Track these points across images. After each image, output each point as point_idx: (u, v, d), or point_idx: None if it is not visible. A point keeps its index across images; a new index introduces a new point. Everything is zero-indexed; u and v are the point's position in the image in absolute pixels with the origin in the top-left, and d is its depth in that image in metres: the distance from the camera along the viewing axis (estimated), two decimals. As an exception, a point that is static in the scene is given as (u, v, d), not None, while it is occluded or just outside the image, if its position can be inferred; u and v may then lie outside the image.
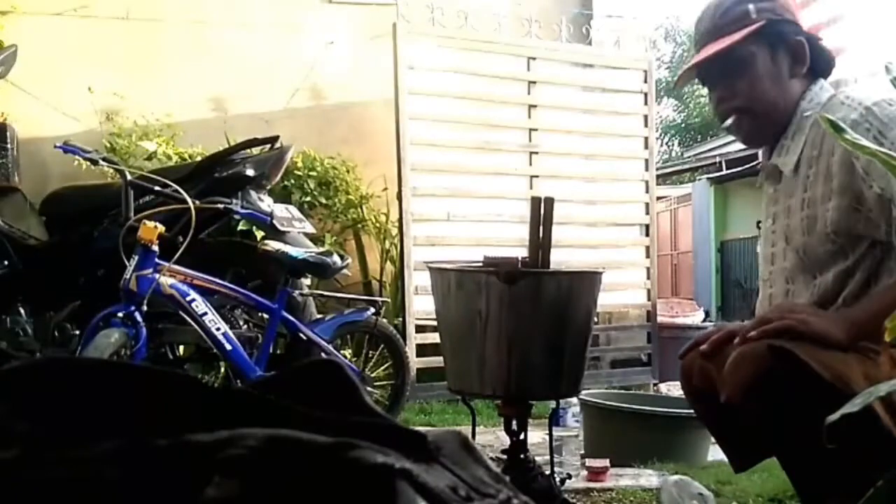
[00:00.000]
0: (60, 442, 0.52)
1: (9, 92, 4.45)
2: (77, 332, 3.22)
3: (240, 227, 3.87)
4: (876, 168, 1.41)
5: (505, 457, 2.04)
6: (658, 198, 8.17)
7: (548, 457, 2.26)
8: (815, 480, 1.45)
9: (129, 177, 3.09)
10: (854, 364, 1.34)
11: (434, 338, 3.95)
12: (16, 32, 4.55)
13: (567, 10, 5.66)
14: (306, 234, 3.55)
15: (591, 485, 2.59)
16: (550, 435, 2.30)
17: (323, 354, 3.19)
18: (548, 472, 2.13)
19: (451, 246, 4.55)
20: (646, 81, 5.40)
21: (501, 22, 4.96)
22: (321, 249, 3.49)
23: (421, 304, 4.40)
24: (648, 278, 5.39)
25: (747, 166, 10.65)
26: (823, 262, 1.55)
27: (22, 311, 3.36)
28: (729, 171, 12.02)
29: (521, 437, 2.05)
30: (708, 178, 13.27)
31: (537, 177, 5.00)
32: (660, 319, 5.59)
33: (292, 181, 4.72)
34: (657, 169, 6.90)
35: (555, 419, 2.48)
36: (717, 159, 12.67)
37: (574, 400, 3.66)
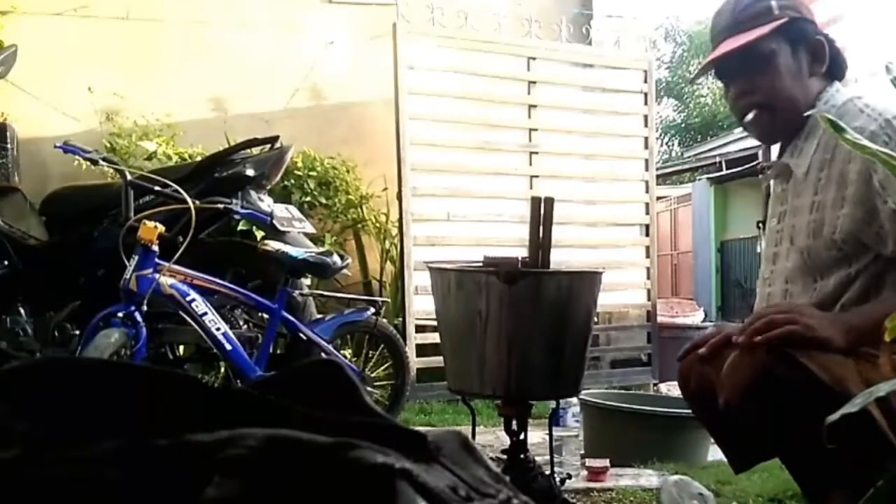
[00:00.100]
0: (60, 442, 0.52)
1: (9, 92, 4.45)
2: (77, 332, 3.21)
3: (240, 227, 3.87)
4: (892, 183, 1.41)
5: (505, 457, 2.04)
6: (658, 198, 8.17)
7: (548, 457, 2.25)
8: (816, 479, 1.45)
9: (129, 177, 3.09)
10: (852, 367, 1.34)
11: (434, 338, 3.95)
12: (16, 32, 4.55)
13: (567, 10, 5.66)
14: (306, 234, 3.55)
15: (591, 485, 2.59)
16: (550, 435, 2.30)
17: (323, 354, 3.19)
18: (548, 472, 2.13)
19: (451, 246, 4.55)
20: (646, 81, 5.40)
21: (501, 22, 4.96)
22: (321, 249, 3.50)
23: (421, 304, 4.40)
24: (648, 278, 5.39)
25: (747, 166, 10.66)
26: (826, 266, 1.55)
27: (22, 311, 3.36)
28: (729, 171, 12.02)
29: (521, 437, 2.05)
30: (708, 178, 13.27)
31: (537, 177, 5.00)
32: (660, 319, 5.60)
33: (292, 181, 4.72)
34: (657, 169, 6.90)
35: (555, 419, 2.48)
36: (717, 159, 12.68)
37: (574, 400, 3.66)
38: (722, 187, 12.98)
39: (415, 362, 4.27)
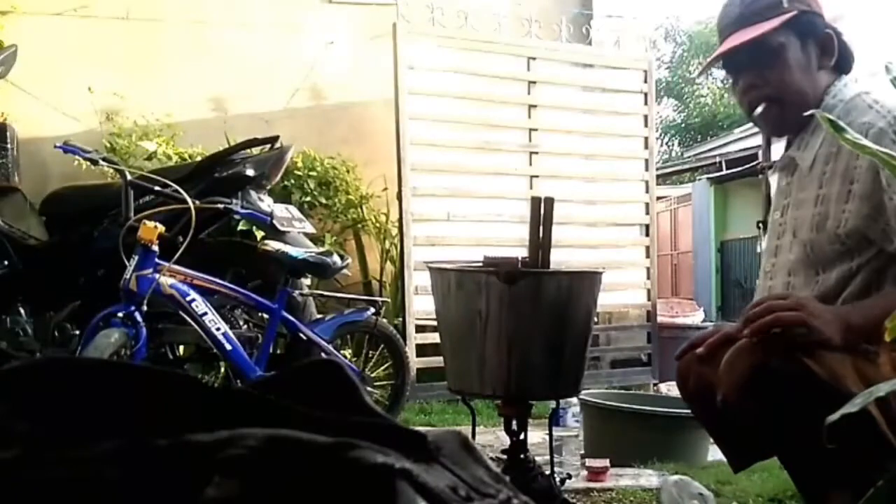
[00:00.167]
0: (60, 442, 0.52)
1: (9, 92, 4.45)
2: (77, 332, 3.21)
3: (240, 227, 3.87)
4: None
5: (505, 457, 2.04)
6: (658, 198, 8.17)
7: (548, 457, 2.25)
8: (814, 478, 1.45)
9: (129, 177, 3.09)
10: (849, 364, 1.34)
11: (434, 338, 3.95)
12: (16, 32, 4.55)
13: (567, 10, 5.66)
14: (306, 234, 3.55)
15: (591, 485, 2.59)
16: (550, 435, 2.30)
17: (323, 354, 3.19)
18: (548, 472, 2.13)
19: (451, 246, 4.55)
20: (646, 81, 5.40)
21: (501, 22, 4.96)
22: (321, 249, 3.50)
23: (421, 304, 4.40)
24: (648, 278, 5.39)
25: (747, 166, 10.66)
26: (829, 260, 1.55)
27: (22, 311, 3.36)
28: (729, 171, 12.02)
29: (521, 437, 2.05)
30: (708, 178, 13.28)
31: (537, 177, 5.00)
32: (660, 319, 5.60)
33: (292, 181, 4.72)
34: (657, 169, 6.90)
35: (555, 419, 2.48)
36: (717, 159, 12.68)
37: (574, 400, 3.66)
38: (722, 187, 12.98)
39: (415, 362, 4.27)
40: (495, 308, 1.90)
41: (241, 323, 3.37)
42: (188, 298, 2.89)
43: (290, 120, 5.01)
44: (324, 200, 4.87)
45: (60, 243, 3.43)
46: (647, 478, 2.72)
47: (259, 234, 3.69)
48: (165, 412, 0.55)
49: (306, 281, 3.54)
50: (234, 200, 3.28)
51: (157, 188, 3.06)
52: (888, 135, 1.44)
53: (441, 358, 2.14)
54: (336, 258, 3.24)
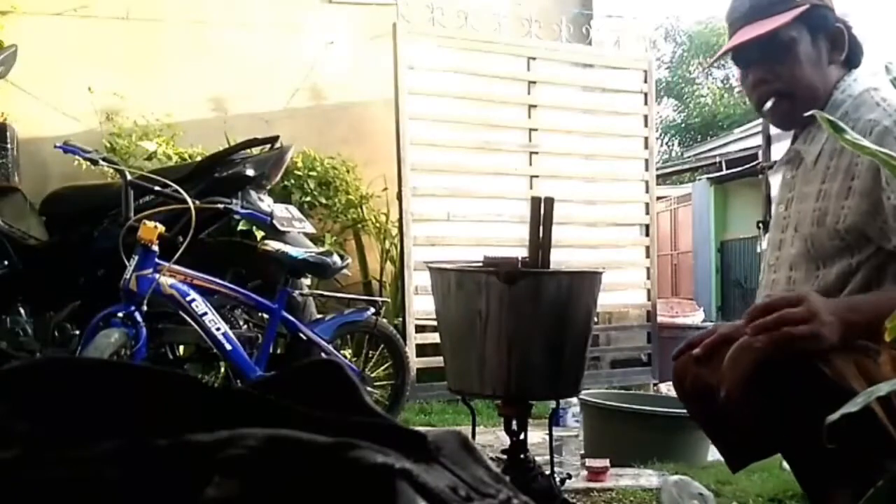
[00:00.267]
0: (60, 442, 0.52)
1: (9, 92, 4.45)
2: (77, 332, 3.21)
3: (240, 227, 3.87)
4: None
5: (505, 457, 2.04)
6: (658, 198, 8.17)
7: (548, 457, 2.25)
8: (818, 475, 1.44)
9: (129, 177, 3.09)
10: (851, 361, 1.34)
11: (434, 338, 3.95)
12: (16, 32, 4.55)
13: (567, 10, 5.66)
14: (306, 234, 3.55)
15: (591, 485, 2.59)
16: (550, 435, 2.30)
17: (323, 354, 3.19)
18: (548, 472, 2.13)
19: (451, 246, 4.55)
20: (646, 81, 5.40)
21: (501, 22, 4.96)
22: (321, 249, 3.50)
23: (421, 304, 4.40)
24: (648, 278, 5.40)
25: (747, 166, 10.66)
26: (829, 256, 1.55)
27: (22, 311, 3.36)
28: (729, 171, 12.02)
29: (521, 437, 2.05)
30: (708, 178, 13.28)
31: (537, 177, 5.00)
32: (660, 319, 5.60)
33: (292, 181, 4.72)
34: (657, 169, 6.90)
35: (555, 419, 2.48)
36: (717, 159, 12.69)
37: (574, 400, 3.66)
38: (722, 187, 12.98)
39: (415, 362, 4.27)
40: (495, 308, 1.90)
41: (241, 323, 3.37)
42: (188, 298, 2.89)
43: (290, 120, 5.01)
44: (324, 200, 4.87)
45: (60, 243, 3.43)
46: (647, 478, 2.72)
47: (259, 234, 3.69)
48: (165, 412, 0.55)
49: (306, 281, 3.54)
50: (234, 200, 3.28)
51: (157, 188, 3.06)
52: (892, 133, 1.44)
53: (441, 358, 2.14)
54: (336, 258, 3.24)
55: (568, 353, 1.99)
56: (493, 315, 1.90)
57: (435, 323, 2.48)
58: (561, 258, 2.53)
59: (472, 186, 4.81)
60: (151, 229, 2.78)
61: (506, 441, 2.10)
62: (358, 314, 3.46)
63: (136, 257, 2.77)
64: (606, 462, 2.70)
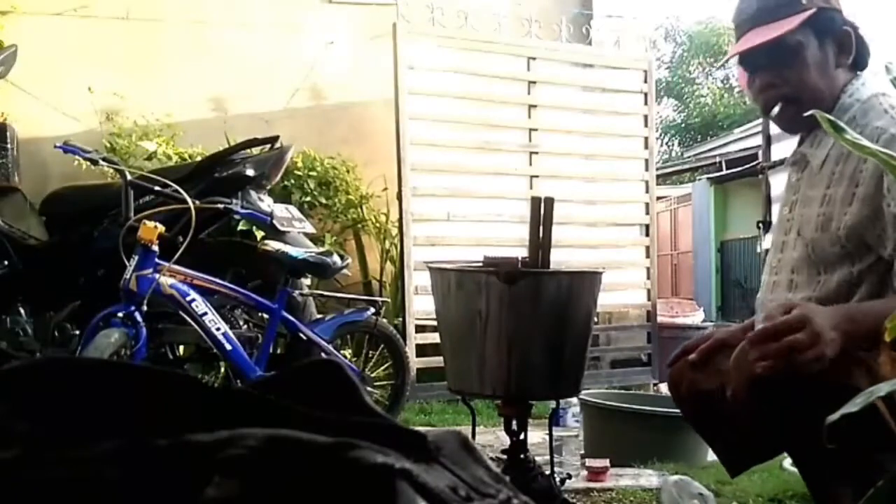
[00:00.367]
0: (60, 442, 0.52)
1: (9, 92, 4.45)
2: (77, 332, 3.22)
3: (240, 227, 3.87)
4: None
5: (505, 457, 2.04)
6: (658, 198, 8.17)
7: (548, 457, 2.26)
8: (825, 476, 1.44)
9: (129, 177, 3.10)
10: (858, 360, 1.33)
11: (434, 338, 3.95)
12: (16, 32, 4.55)
13: (567, 10, 5.66)
14: (306, 234, 3.55)
15: (591, 485, 2.59)
16: (550, 435, 2.30)
17: (323, 354, 3.20)
18: (548, 472, 2.13)
19: (451, 246, 4.55)
20: (646, 81, 5.40)
21: (501, 22, 4.96)
22: (321, 249, 3.50)
23: (421, 304, 4.40)
24: (648, 278, 5.40)
25: (747, 166, 10.66)
26: (830, 262, 1.54)
27: (22, 311, 3.36)
28: (729, 171, 12.03)
29: (521, 437, 2.05)
30: (708, 178, 13.29)
31: (537, 177, 5.00)
32: (660, 319, 5.60)
33: (292, 181, 4.72)
34: (657, 169, 6.90)
35: (555, 419, 2.48)
36: (717, 159, 12.70)
37: (574, 400, 3.66)
38: (722, 187, 12.99)
39: (415, 362, 4.27)
40: (495, 308, 1.90)
41: (241, 323, 3.37)
42: (188, 298, 2.89)
43: (290, 120, 5.01)
44: (324, 200, 4.87)
45: (60, 243, 3.43)
46: (647, 478, 2.72)
47: (259, 234, 3.70)
48: (165, 412, 0.55)
49: (306, 281, 3.55)
50: (234, 200, 3.28)
51: (157, 188, 3.06)
52: None
53: (441, 358, 2.14)
54: (336, 258, 3.24)
55: (568, 353, 1.99)
56: (493, 315, 1.90)
57: (435, 323, 2.48)
58: (561, 258, 2.53)
59: (472, 186, 4.81)
60: (151, 229, 2.78)
61: (506, 441, 2.10)
62: (358, 314, 3.46)
63: (136, 257, 2.77)
64: (606, 462, 2.70)
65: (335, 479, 0.48)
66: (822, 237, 1.54)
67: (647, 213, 5.44)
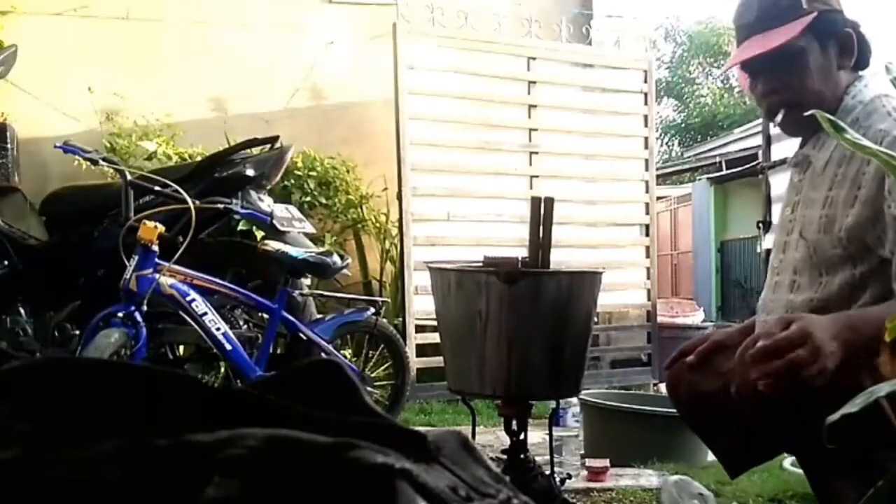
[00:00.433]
0: (60, 442, 0.52)
1: (9, 92, 4.45)
2: (77, 332, 3.22)
3: (240, 227, 3.87)
4: None
5: (505, 457, 2.04)
6: (658, 198, 8.17)
7: (548, 457, 2.26)
8: (829, 476, 1.43)
9: (129, 177, 3.10)
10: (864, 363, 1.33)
11: (434, 338, 3.95)
12: (16, 32, 4.55)
13: (567, 10, 5.66)
14: (306, 234, 3.55)
15: (591, 485, 2.59)
16: (550, 435, 2.30)
17: (323, 354, 3.20)
18: (548, 472, 2.13)
19: (451, 246, 4.55)
20: (646, 81, 5.40)
21: (501, 22, 4.96)
22: (321, 249, 3.50)
23: (421, 304, 4.40)
24: (648, 278, 5.40)
25: (747, 166, 10.66)
26: (831, 264, 1.53)
27: (22, 311, 3.36)
28: (729, 171, 12.03)
29: (521, 437, 2.05)
30: (708, 178, 13.29)
31: (537, 177, 5.00)
32: (660, 319, 5.60)
33: (292, 181, 4.72)
34: (657, 169, 6.90)
35: (555, 419, 2.48)
36: (717, 159, 12.70)
37: (574, 400, 3.66)
38: (722, 187, 12.99)
39: (415, 362, 4.27)
40: (495, 308, 1.90)
41: (241, 323, 3.37)
42: (188, 298, 2.89)
43: (290, 120, 5.01)
44: (324, 200, 4.87)
45: (60, 243, 3.43)
46: (647, 478, 2.72)
47: (259, 234, 3.69)
48: (165, 412, 0.55)
49: (306, 281, 3.54)
50: (234, 200, 3.28)
51: (157, 188, 3.06)
52: None
53: (441, 358, 2.14)
54: (336, 258, 3.24)
55: (568, 353, 1.99)
56: (493, 315, 1.90)
57: (435, 323, 2.48)
58: (561, 258, 2.53)
59: (472, 186, 4.81)
60: (151, 229, 2.78)
61: (506, 441, 2.10)
62: (358, 314, 3.46)
63: (136, 257, 2.77)
64: (606, 462, 2.70)
65: (335, 479, 0.48)
66: (823, 239, 1.54)
67: (647, 213, 5.44)
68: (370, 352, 3.66)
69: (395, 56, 4.55)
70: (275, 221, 3.37)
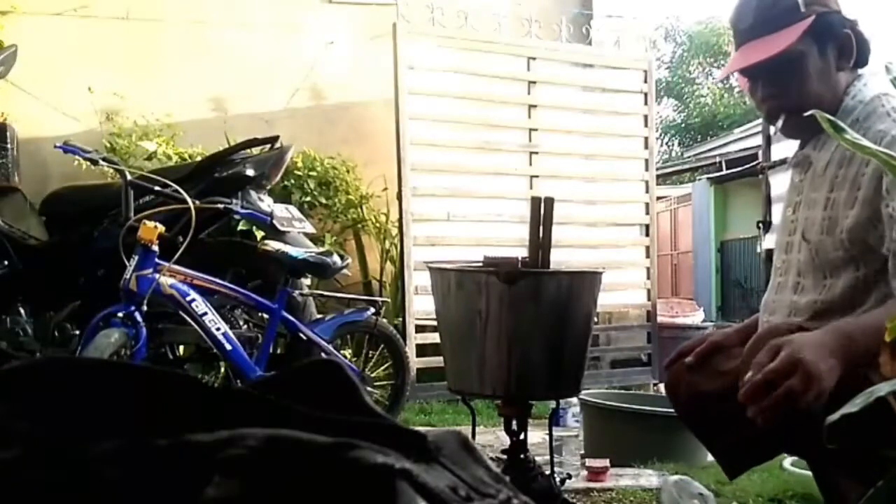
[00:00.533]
0: (60, 442, 0.52)
1: (9, 92, 4.45)
2: (77, 332, 3.22)
3: (240, 227, 3.87)
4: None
5: (505, 457, 2.04)
6: (658, 198, 8.17)
7: (548, 457, 2.26)
8: (835, 474, 1.43)
9: (129, 177, 3.09)
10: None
11: (434, 338, 3.95)
12: (16, 32, 4.55)
13: (567, 10, 5.66)
14: (306, 234, 3.55)
15: (591, 485, 2.59)
16: (550, 435, 2.31)
17: (323, 354, 3.20)
18: (548, 472, 2.13)
19: (451, 246, 4.55)
20: (646, 81, 5.40)
21: (501, 22, 4.96)
22: (321, 249, 3.50)
23: (421, 304, 4.40)
24: (648, 278, 5.39)
25: (747, 166, 10.67)
26: (834, 266, 1.53)
27: (22, 311, 3.36)
28: (729, 171, 12.03)
29: (521, 437, 2.05)
30: (708, 178, 13.29)
31: (537, 177, 5.00)
32: (660, 319, 5.59)
33: (292, 181, 4.72)
34: (657, 169, 6.90)
35: (555, 419, 2.48)
36: (717, 159, 12.70)
37: (574, 400, 3.66)
38: (722, 187, 12.99)
39: (415, 362, 4.27)
40: (495, 308, 1.90)
41: (241, 323, 3.37)
42: (188, 298, 2.89)
43: (290, 120, 5.01)
44: (324, 200, 4.87)
45: (60, 243, 3.43)
46: (647, 478, 2.72)
47: (259, 234, 3.69)
48: (165, 412, 0.55)
49: (306, 281, 3.54)
50: (234, 200, 3.28)
51: (157, 188, 3.06)
52: None
53: (441, 358, 2.14)
54: (336, 258, 3.24)
55: (568, 353, 1.99)
56: (493, 315, 1.90)
57: (435, 323, 2.48)
58: (561, 258, 2.53)
59: (472, 186, 4.81)
60: (151, 229, 2.78)
61: (506, 441, 2.10)
62: (358, 314, 3.46)
63: (136, 257, 2.77)
64: (606, 462, 2.70)
65: (335, 479, 0.48)
66: (825, 241, 1.53)
67: (647, 213, 5.44)
68: (370, 352, 3.66)
69: (395, 56, 4.55)
70: (275, 221, 3.37)
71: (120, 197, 3.09)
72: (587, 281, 2.03)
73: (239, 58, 5.10)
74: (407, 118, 4.57)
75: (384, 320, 3.66)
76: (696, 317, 6.96)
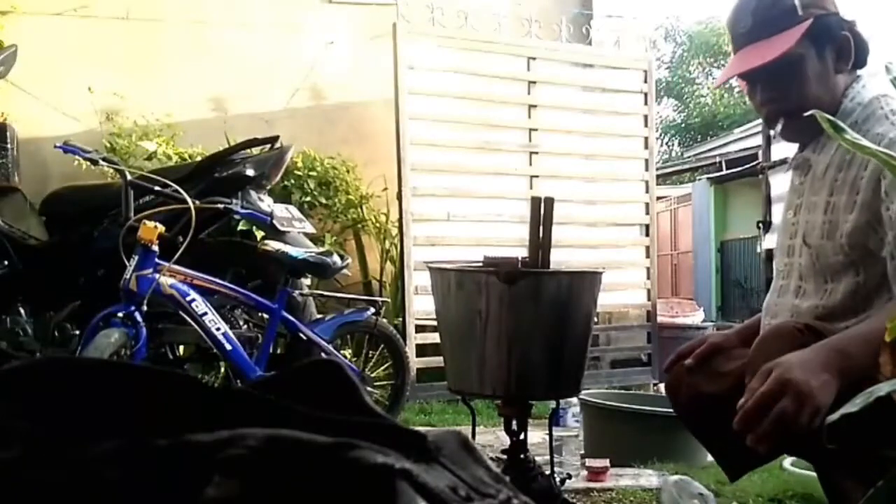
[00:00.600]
0: (60, 442, 0.51)
1: (9, 92, 4.45)
2: (77, 332, 3.22)
3: (240, 227, 3.87)
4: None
5: (505, 457, 2.04)
6: (658, 198, 8.17)
7: (548, 457, 2.26)
8: (840, 473, 1.43)
9: (129, 177, 3.09)
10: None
11: (434, 338, 3.95)
12: (16, 32, 4.55)
13: (567, 10, 5.66)
14: (306, 234, 3.55)
15: (591, 485, 2.59)
16: (550, 435, 2.30)
17: (323, 354, 3.20)
18: (548, 472, 2.13)
19: (451, 246, 4.55)
20: (646, 81, 5.40)
21: (501, 22, 4.96)
22: (321, 249, 3.50)
23: (421, 304, 4.40)
24: (648, 278, 5.40)
25: (747, 166, 10.67)
26: (835, 270, 1.53)
27: (22, 311, 3.36)
28: (729, 171, 12.04)
29: (521, 437, 2.05)
30: (708, 178, 13.29)
31: (537, 177, 5.00)
32: (660, 319, 5.60)
33: (292, 181, 4.72)
34: (657, 169, 6.90)
35: (555, 419, 2.48)
36: (717, 159, 12.71)
37: (574, 400, 3.66)
38: (722, 187, 12.99)
39: (415, 362, 4.27)
40: (495, 308, 1.90)
41: (241, 323, 3.37)
42: (188, 298, 2.89)
43: (290, 120, 5.01)
44: (324, 200, 4.87)
45: (60, 243, 3.43)
46: (647, 478, 2.72)
47: (259, 234, 3.69)
48: (165, 412, 0.55)
49: (306, 281, 3.54)
50: (234, 200, 3.28)
51: (157, 188, 3.06)
52: None
53: (441, 358, 2.14)
54: (336, 258, 3.24)
55: (568, 353, 1.99)
56: (493, 315, 1.90)
57: (435, 323, 2.48)
58: (561, 258, 2.53)
59: (472, 186, 4.81)
60: (151, 229, 2.78)
61: (506, 441, 2.10)
62: (358, 314, 3.46)
63: (136, 257, 2.77)
64: (606, 462, 2.70)
65: (335, 479, 0.48)
66: (826, 245, 1.53)
67: (647, 213, 5.44)
68: (370, 352, 3.66)
69: (395, 56, 4.55)
70: (275, 221, 3.37)
71: (120, 197, 3.09)
72: (587, 281, 2.03)
73: (239, 58, 5.10)
74: (407, 118, 4.57)
75: (384, 320, 3.66)
76: (696, 317, 6.95)
